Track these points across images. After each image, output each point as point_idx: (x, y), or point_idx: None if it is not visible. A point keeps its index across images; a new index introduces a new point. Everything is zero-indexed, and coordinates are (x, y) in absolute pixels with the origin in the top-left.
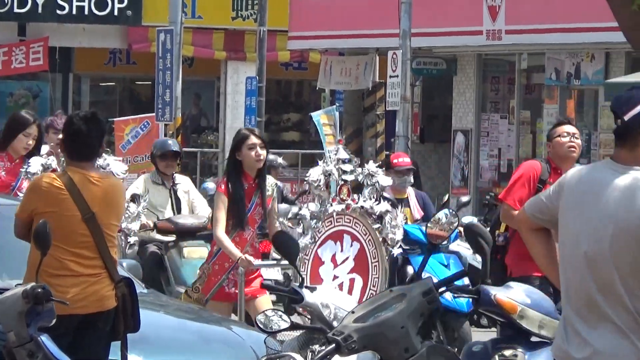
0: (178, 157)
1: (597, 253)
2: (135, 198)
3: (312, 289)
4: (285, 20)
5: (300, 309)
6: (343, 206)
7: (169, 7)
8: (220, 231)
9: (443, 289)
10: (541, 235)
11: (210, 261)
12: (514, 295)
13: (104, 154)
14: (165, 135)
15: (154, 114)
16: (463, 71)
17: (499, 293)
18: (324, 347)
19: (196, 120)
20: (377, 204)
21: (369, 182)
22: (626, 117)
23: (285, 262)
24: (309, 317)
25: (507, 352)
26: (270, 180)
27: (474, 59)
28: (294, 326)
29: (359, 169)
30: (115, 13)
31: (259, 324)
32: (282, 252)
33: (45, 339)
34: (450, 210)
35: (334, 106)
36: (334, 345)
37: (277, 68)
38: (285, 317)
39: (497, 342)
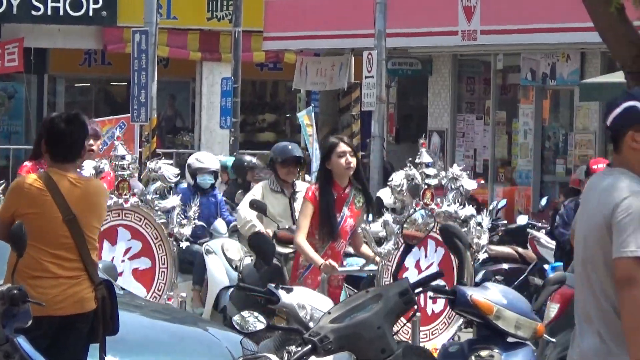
0: (300, 162)
1: (585, 258)
2: (254, 204)
3: (289, 290)
4: (260, 20)
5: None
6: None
7: (144, 7)
8: (301, 237)
9: (419, 289)
10: None
11: (302, 276)
12: (490, 295)
13: (155, 158)
14: (140, 137)
15: (129, 115)
16: (438, 72)
17: (475, 293)
18: (300, 348)
19: (171, 121)
20: (462, 208)
21: (453, 186)
22: (608, 123)
23: (371, 267)
24: (285, 317)
25: (484, 353)
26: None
27: (449, 60)
28: (270, 327)
29: (443, 173)
30: (90, 14)
31: (235, 325)
32: (258, 253)
33: (21, 340)
34: (427, 211)
35: (311, 106)
36: (310, 346)
37: (253, 69)
38: (261, 318)
39: (473, 343)
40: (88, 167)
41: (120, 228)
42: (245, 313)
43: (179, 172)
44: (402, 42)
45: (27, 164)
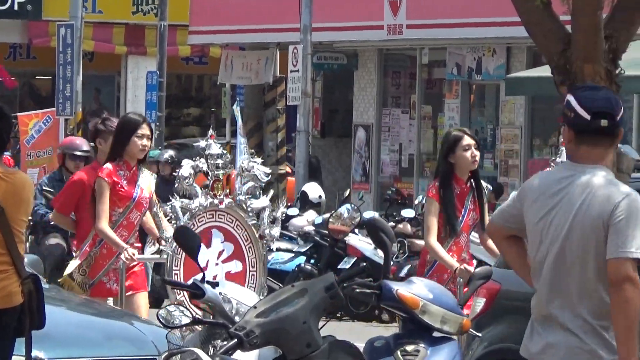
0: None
1: (559, 255)
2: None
3: (214, 284)
4: (185, 14)
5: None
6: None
7: (70, 1)
8: (433, 239)
9: (345, 284)
10: (513, 243)
11: (427, 273)
12: (416, 290)
13: (249, 157)
14: (65, 130)
15: (54, 109)
16: (364, 66)
17: (401, 288)
18: (226, 342)
19: (96, 115)
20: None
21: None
22: (619, 117)
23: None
24: (211, 312)
25: (409, 347)
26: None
27: (375, 54)
28: (196, 321)
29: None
30: (15, 7)
31: (161, 319)
32: (182, 248)
33: None
34: (353, 205)
35: (237, 101)
36: (236, 340)
37: (178, 63)
38: (187, 312)
39: (399, 337)
40: (186, 166)
41: (214, 230)
42: (171, 307)
43: (270, 171)
44: (327, 36)
45: None
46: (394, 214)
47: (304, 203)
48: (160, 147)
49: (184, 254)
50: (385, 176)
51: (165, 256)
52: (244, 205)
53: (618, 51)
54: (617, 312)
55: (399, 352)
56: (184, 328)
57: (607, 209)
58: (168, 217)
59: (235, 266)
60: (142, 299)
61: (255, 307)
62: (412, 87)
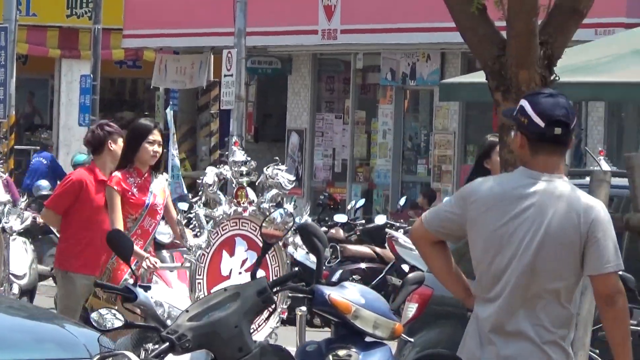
0: None
1: (520, 265)
2: None
3: (146, 288)
4: (120, 18)
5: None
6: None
7: (3, 4)
8: None
9: (277, 288)
10: (441, 250)
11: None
12: (349, 295)
13: (272, 165)
14: None
15: None
16: (298, 71)
17: (333, 293)
18: (157, 346)
19: (30, 118)
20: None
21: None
22: (572, 126)
23: None
24: (143, 315)
25: (341, 352)
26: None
27: (309, 59)
28: (127, 325)
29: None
30: None
31: (93, 322)
32: (116, 250)
33: None
34: (286, 210)
35: (170, 105)
36: (167, 344)
37: (112, 66)
38: (119, 315)
39: (331, 342)
40: (210, 173)
41: (238, 238)
42: (103, 310)
43: (295, 178)
44: (262, 40)
45: None
46: (327, 219)
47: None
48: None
49: (208, 262)
50: (318, 181)
51: (188, 265)
52: (267, 213)
53: (553, 57)
54: (613, 326)
55: (330, 357)
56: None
57: (584, 223)
58: (192, 225)
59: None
60: None
61: (187, 310)
62: (346, 92)
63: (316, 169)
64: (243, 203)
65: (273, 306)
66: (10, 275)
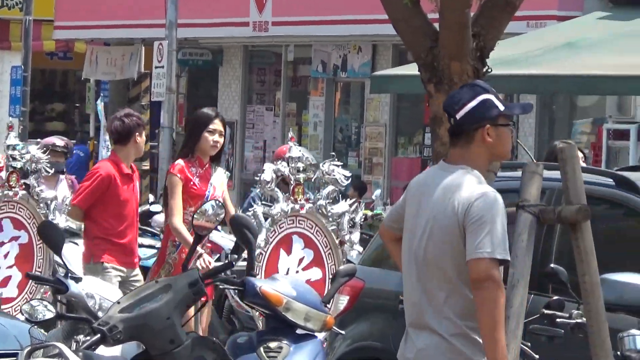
0: None
1: (421, 256)
2: None
3: (77, 280)
4: (51, 9)
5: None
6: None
7: None
8: None
9: (209, 280)
10: (400, 246)
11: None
12: (280, 287)
13: (328, 160)
14: None
15: None
16: (229, 62)
17: (264, 285)
18: (89, 337)
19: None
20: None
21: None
22: (458, 116)
23: None
24: (74, 307)
25: (272, 344)
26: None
27: (240, 51)
28: (59, 316)
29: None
30: None
31: (24, 314)
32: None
33: None
34: (217, 202)
35: (101, 96)
36: (99, 335)
37: (43, 58)
38: (50, 307)
39: (262, 334)
40: (268, 170)
41: (295, 236)
42: (34, 302)
43: (350, 174)
44: (193, 32)
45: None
46: None
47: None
48: (24, 142)
49: (265, 261)
50: (248, 173)
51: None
52: (324, 211)
53: (485, 49)
54: (482, 312)
55: (261, 349)
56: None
57: (462, 209)
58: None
59: (315, 274)
60: (207, 307)
61: (118, 302)
62: (277, 84)
63: (247, 160)
64: (300, 200)
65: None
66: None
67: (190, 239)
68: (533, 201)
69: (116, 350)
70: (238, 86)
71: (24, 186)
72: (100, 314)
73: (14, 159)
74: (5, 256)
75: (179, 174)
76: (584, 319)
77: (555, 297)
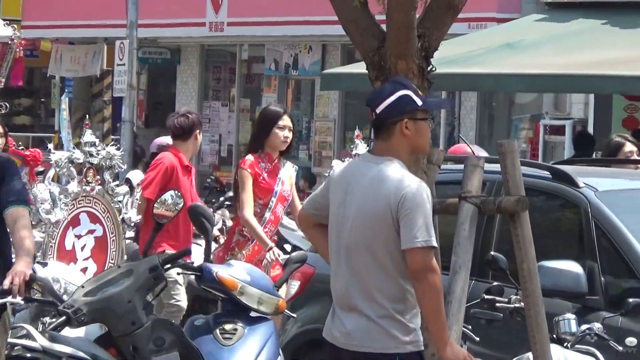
0: None
1: (351, 243)
2: None
3: (44, 265)
4: (18, 10)
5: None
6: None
7: None
8: None
9: (168, 265)
10: (321, 232)
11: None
12: (235, 272)
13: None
14: None
15: None
16: (186, 61)
17: (220, 270)
18: (54, 320)
19: None
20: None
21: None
22: (378, 110)
23: None
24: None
25: (228, 326)
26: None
27: (197, 50)
28: (26, 299)
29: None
30: None
31: None
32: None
33: None
34: (176, 192)
35: (66, 92)
36: (64, 317)
37: None
38: None
39: (218, 317)
40: (337, 166)
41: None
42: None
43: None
44: (152, 32)
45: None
46: (214, 200)
47: (129, 189)
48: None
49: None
50: (205, 165)
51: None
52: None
53: (430, 49)
54: (423, 299)
55: (217, 331)
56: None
57: (394, 200)
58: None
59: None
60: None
61: (83, 286)
62: (232, 82)
63: (203, 153)
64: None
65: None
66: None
67: (260, 230)
68: (475, 192)
69: (80, 331)
70: (195, 83)
71: (99, 181)
72: (65, 297)
73: (91, 155)
74: (82, 248)
75: (249, 169)
76: (522, 304)
77: (495, 283)
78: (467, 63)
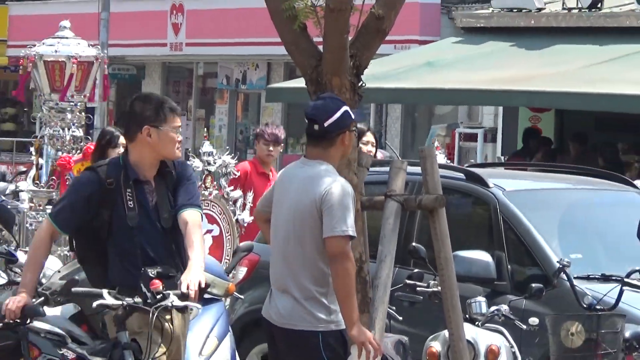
0: None
1: (285, 233)
2: None
3: (25, 252)
4: (5, 31)
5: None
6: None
7: None
8: None
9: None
10: (270, 225)
11: None
12: None
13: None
14: None
15: None
16: (150, 76)
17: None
18: (34, 300)
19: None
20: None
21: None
22: (326, 124)
23: None
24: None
25: None
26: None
27: (159, 66)
28: (10, 282)
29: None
30: None
31: None
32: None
33: None
34: None
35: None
36: (43, 298)
37: None
38: (2, 274)
39: None
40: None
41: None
42: None
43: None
44: (120, 51)
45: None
46: None
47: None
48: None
49: None
50: None
51: None
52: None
53: (361, 67)
54: (338, 282)
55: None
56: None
57: (318, 196)
58: None
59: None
60: None
61: (59, 271)
62: (190, 94)
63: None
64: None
65: None
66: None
67: None
68: (398, 191)
69: (57, 310)
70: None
71: (216, 187)
72: (44, 280)
73: (209, 163)
74: None
75: None
76: (439, 288)
77: (416, 270)
78: (393, 79)
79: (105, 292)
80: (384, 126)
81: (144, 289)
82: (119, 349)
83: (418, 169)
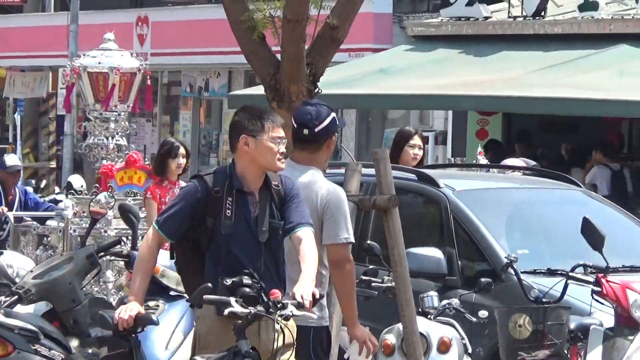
0: None
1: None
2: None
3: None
4: None
5: None
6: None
7: None
8: None
9: (102, 253)
10: None
11: None
12: (158, 259)
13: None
14: None
15: None
16: None
17: None
18: (8, 298)
19: None
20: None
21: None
22: (317, 129)
23: None
24: None
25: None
26: None
27: None
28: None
29: None
30: None
31: None
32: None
33: None
34: (109, 194)
35: (18, 110)
36: (16, 296)
37: None
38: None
39: None
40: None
41: None
42: None
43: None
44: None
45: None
46: None
47: (69, 190)
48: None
49: None
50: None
51: None
52: None
53: (317, 75)
54: (340, 285)
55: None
56: None
57: (319, 204)
58: None
59: None
60: None
61: (32, 271)
62: (155, 102)
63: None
64: None
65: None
66: None
67: None
68: (354, 192)
69: (30, 308)
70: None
71: None
72: (17, 280)
73: None
74: None
75: None
76: (393, 283)
77: (371, 267)
78: (348, 85)
79: (232, 300)
80: (339, 130)
81: (265, 298)
82: (239, 357)
83: (372, 171)
